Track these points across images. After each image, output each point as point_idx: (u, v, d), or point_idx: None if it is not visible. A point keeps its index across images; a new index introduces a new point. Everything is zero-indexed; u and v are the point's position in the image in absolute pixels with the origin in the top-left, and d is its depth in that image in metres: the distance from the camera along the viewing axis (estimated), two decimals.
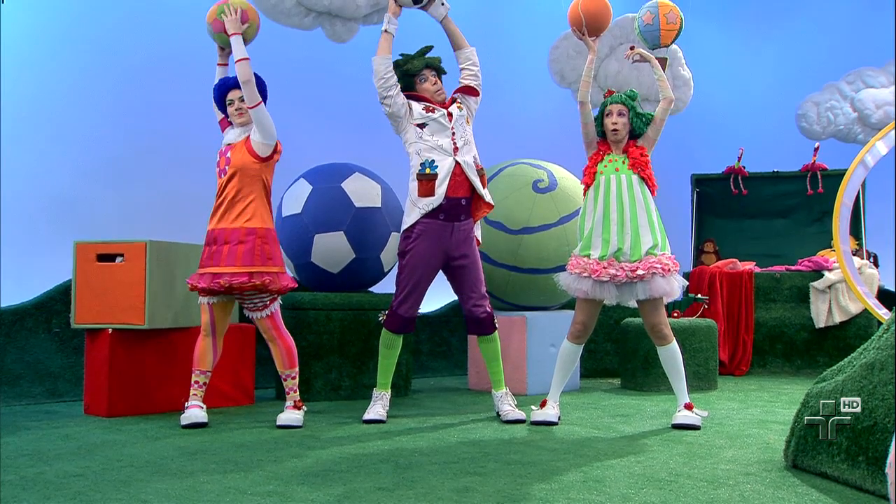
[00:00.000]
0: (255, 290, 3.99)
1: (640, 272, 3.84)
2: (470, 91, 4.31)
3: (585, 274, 3.92)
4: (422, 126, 4.13)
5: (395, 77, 4.17)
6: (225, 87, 4.17)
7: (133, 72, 6.37)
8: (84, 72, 6.19)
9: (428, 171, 4.06)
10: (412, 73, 4.25)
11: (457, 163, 4.11)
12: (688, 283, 3.99)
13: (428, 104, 4.19)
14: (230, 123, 4.22)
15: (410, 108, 4.17)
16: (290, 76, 7.35)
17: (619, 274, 3.86)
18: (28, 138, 5.90)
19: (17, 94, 5.75)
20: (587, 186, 4.04)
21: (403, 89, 4.21)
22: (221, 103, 4.21)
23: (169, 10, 6.44)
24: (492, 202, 4.25)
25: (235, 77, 4.09)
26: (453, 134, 4.15)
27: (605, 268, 3.88)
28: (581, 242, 4.01)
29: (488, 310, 4.24)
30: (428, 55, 4.32)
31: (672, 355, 3.96)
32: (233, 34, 4.06)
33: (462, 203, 4.14)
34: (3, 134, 5.62)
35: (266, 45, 6.81)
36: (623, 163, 3.98)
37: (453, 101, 4.28)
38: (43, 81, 6.00)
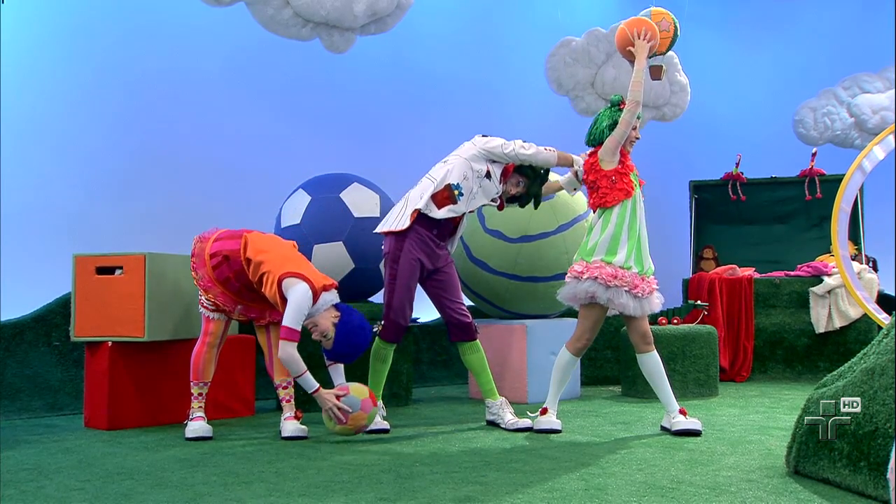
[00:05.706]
0: None
1: (654, 286, 3.98)
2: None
3: (626, 287, 3.87)
4: (488, 176, 4.21)
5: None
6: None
7: (134, 85, 6.39)
8: (85, 85, 6.21)
9: (455, 192, 4.11)
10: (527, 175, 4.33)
11: (462, 214, 4.24)
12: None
13: (499, 186, 4.28)
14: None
15: (490, 172, 4.21)
16: (288, 87, 7.38)
17: (647, 290, 3.93)
18: (28, 151, 5.91)
19: (19, 107, 5.77)
20: (624, 196, 3.91)
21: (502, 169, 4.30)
22: None
23: (170, 25, 6.45)
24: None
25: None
26: (481, 208, 4.43)
27: (641, 282, 3.90)
28: (620, 252, 3.89)
29: (470, 315, 4.30)
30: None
31: (657, 361, 4.00)
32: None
33: (451, 227, 4.27)
34: (3, 147, 5.63)
35: (263, 56, 6.89)
36: (636, 177, 4.03)
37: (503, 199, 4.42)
38: (44, 95, 6.02)
